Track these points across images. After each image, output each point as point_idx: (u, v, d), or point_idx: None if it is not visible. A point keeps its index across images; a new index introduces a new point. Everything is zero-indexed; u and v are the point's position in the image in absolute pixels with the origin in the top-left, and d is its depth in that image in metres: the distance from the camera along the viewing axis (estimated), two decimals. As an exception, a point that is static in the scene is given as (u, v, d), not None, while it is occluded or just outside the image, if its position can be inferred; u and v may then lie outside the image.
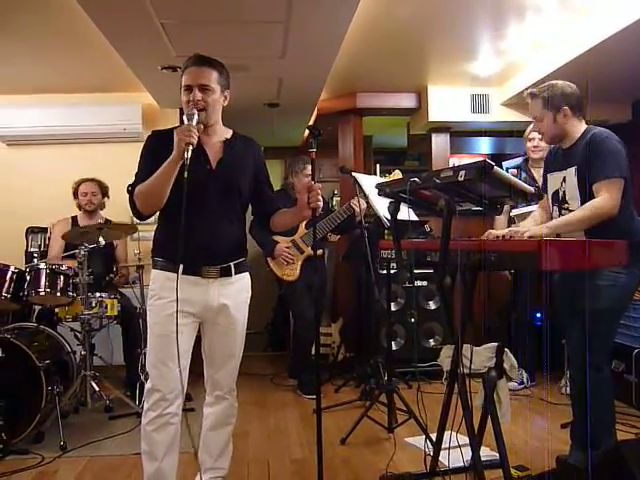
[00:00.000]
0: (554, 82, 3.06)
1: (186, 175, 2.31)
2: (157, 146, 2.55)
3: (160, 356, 2.52)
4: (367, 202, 4.35)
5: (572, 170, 2.98)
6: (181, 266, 2.49)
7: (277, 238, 4.84)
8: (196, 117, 2.43)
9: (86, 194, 4.84)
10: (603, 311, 2.86)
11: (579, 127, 3.05)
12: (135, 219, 2.58)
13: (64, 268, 4.09)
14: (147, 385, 2.55)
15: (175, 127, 2.51)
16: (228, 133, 2.70)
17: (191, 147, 2.34)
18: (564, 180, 3.05)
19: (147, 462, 2.55)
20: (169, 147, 2.40)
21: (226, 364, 2.71)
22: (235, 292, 2.66)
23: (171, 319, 2.48)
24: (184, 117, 2.45)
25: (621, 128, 5.69)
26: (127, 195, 2.57)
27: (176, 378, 2.50)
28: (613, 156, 2.86)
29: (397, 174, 4.61)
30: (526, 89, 3.17)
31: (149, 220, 5.21)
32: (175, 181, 2.42)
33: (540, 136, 4.06)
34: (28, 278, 4.01)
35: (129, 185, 2.54)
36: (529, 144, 4.69)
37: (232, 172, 2.63)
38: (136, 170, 2.57)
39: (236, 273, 2.64)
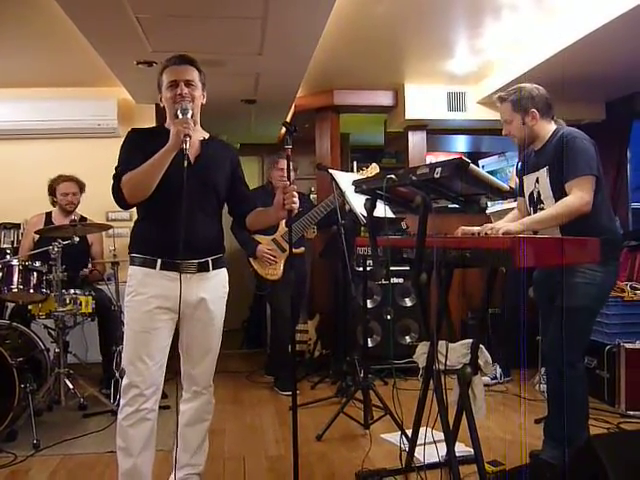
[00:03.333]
0: (522, 85, 3.11)
1: (185, 164, 2.35)
2: (140, 140, 2.59)
3: (138, 352, 2.52)
4: (343, 199, 4.35)
5: (544, 171, 3.03)
6: (159, 260, 2.53)
7: (258, 238, 4.82)
8: (190, 111, 2.47)
9: (66, 194, 4.76)
10: (579, 309, 2.89)
11: (548, 128, 3.09)
12: (118, 208, 2.54)
13: (37, 265, 4.04)
14: (124, 381, 2.54)
15: (153, 127, 2.57)
16: (205, 135, 2.75)
17: (188, 139, 2.38)
18: (537, 181, 3.09)
19: (122, 458, 2.54)
20: (152, 143, 2.46)
21: (203, 359, 2.71)
22: (213, 287, 2.67)
23: (150, 315, 2.52)
24: (177, 111, 2.47)
25: (595, 127, 5.78)
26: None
27: (153, 374, 2.53)
28: (583, 155, 2.90)
29: (374, 168, 4.62)
30: (501, 88, 3.22)
31: (124, 216, 5.24)
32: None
33: None
34: (0, 275, 3.95)
35: (114, 174, 2.52)
36: None
37: (209, 169, 2.66)
38: (117, 164, 2.56)
39: (214, 268, 2.66)
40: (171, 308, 2.54)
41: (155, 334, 2.52)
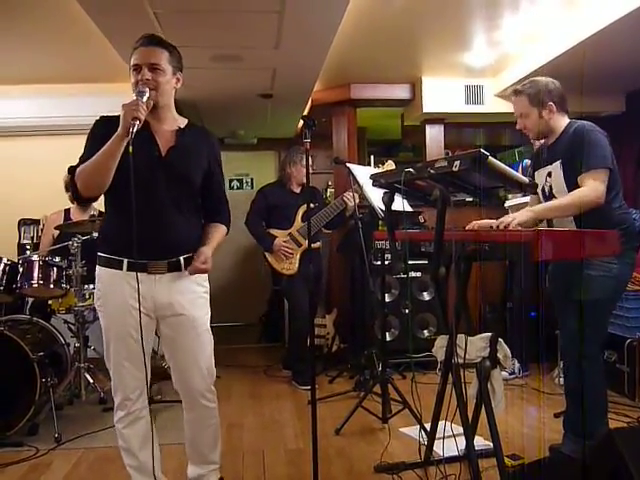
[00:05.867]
0: (537, 79, 3.09)
1: (131, 150, 2.16)
2: (105, 130, 2.33)
3: (117, 358, 2.45)
4: (361, 193, 4.35)
5: (557, 164, 2.99)
6: (125, 261, 2.38)
7: (274, 232, 4.85)
8: (147, 94, 2.28)
9: None
10: (596, 301, 2.87)
11: (562, 122, 3.06)
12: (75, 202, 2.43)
13: (56, 260, 4.07)
14: (111, 383, 2.52)
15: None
16: (183, 122, 2.55)
17: (138, 122, 2.19)
18: (549, 175, 3.06)
19: (127, 458, 2.55)
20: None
21: (189, 366, 2.52)
22: (187, 287, 2.49)
23: (124, 319, 2.39)
24: (133, 95, 2.29)
25: (615, 119, 5.72)
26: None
27: (136, 377, 2.46)
28: (597, 148, 2.87)
29: (390, 164, 4.62)
30: (519, 80, 3.18)
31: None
32: (121, 168, 2.26)
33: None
34: (21, 270, 3.99)
35: (70, 166, 2.40)
36: None
37: (183, 161, 2.46)
38: (81, 154, 2.41)
39: (187, 268, 2.46)
40: (144, 310, 2.34)
41: (131, 339, 2.39)
